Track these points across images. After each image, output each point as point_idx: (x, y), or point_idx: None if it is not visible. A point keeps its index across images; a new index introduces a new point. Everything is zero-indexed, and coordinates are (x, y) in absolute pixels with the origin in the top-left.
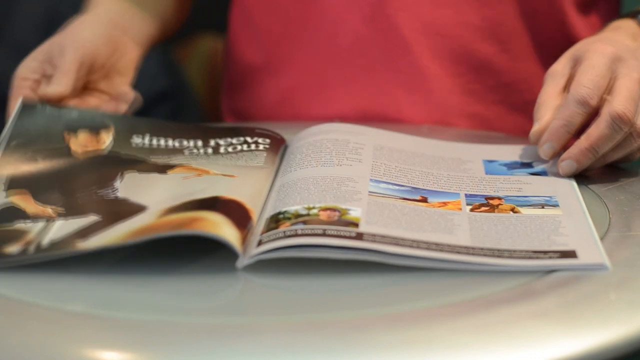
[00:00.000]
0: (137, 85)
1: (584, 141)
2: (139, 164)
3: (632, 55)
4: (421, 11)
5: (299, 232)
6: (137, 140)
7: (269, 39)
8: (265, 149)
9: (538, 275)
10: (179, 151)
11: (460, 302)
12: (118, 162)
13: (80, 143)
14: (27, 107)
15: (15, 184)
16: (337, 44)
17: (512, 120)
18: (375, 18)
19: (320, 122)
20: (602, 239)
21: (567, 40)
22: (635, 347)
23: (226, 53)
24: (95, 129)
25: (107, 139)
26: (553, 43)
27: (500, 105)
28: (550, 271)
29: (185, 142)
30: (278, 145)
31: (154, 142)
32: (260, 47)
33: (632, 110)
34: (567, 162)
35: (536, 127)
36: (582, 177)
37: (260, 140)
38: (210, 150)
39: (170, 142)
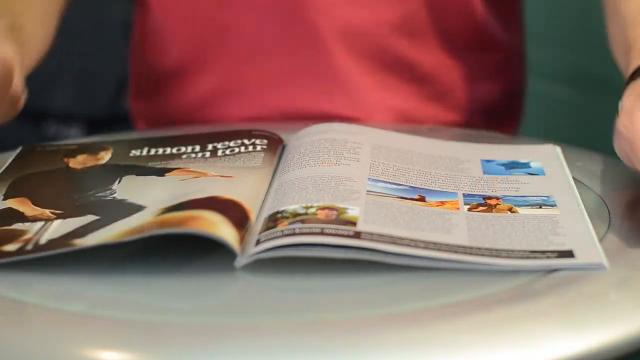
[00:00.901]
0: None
1: None
2: (137, 169)
3: None
4: (338, 12)
5: (297, 231)
6: (135, 152)
7: (185, 45)
8: (263, 150)
9: (538, 276)
10: (176, 156)
11: (460, 302)
12: (116, 169)
13: (79, 162)
14: (26, 149)
15: (13, 192)
16: (256, 48)
17: (429, 110)
18: (294, 21)
19: (239, 125)
20: (602, 239)
21: (475, 31)
22: (635, 347)
23: (133, 60)
24: (94, 151)
25: (106, 157)
26: (462, 35)
27: (416, 97)
28: (550, 271)
29: (183, 148)
30: (276, 146)
31: (152, 151)
32: (174, 53)
33: None
34: None
35: None
36: (582, 177)
37: (257, 141)
38: (207, 154)
39: (168, 150)
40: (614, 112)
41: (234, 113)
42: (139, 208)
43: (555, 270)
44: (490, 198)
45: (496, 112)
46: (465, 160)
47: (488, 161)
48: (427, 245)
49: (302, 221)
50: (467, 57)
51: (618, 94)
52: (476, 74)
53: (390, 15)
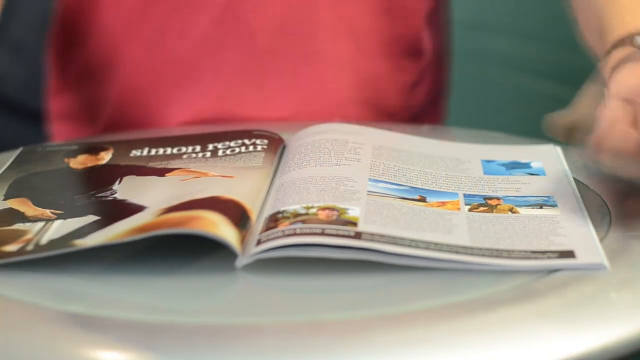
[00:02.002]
0: None
1: None
2: (137, 169)
3: None
4: (274, 12)
5: (298, 231)
6: (136, 152)
7: (108, 41)
8: (264, 150)
9: (538, 276)
10: (177, 156)
11: (460, 302)
12: (117, 169)
13: (79, 162)
14: (26, 151)
15: (13, 193)
16: (184, 45)
17: (361, 114)
18: (226, 20)
19: (165, 125)
20: (602, 239)
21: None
22: (635, 347)
23: (50, 57)
24: (94, 151)
25: (106, 157)
26: (401, 41)
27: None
28: (551, 271)
29: (183, 149)
30: (276, 146)
31: (152, 152)
32: (97, 49)
33: None
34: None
35: None
36: (582, 177)
37: (258, 141)
38: (208, 154)
39: (168, 150)
40: None
41: (160, 113)
42: (139, 208)
43: (556, 270)
44: (491, 198)
45: (421, 115)
46: (465, 161)
47: (489, 161)
48: (427, 245)
49: (303, 221)
50: (401, 64)
51: None
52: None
53: (330, 17)
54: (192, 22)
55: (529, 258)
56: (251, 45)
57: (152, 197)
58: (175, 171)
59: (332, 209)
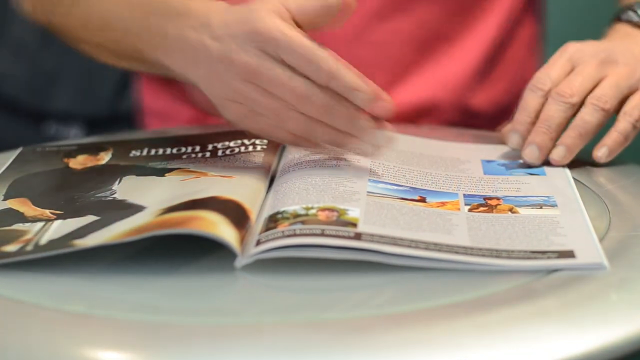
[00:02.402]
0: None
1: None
2: (137, 169)
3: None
4: None
5: (298, 232)
6: (135, 153)
7: None
8: (263, 150)
9: (538, 276)
10: (177, 157)
11: (460, 302)
12: (116, 169)
13: (79, 162)
14: (25, 151)
15: (13, 193)
16: None
17: None
18: None
19: None
20: (602, 239)
21: None
22: (635, 347)
23: None
24: (94, 151)
25: (106, 157)
26: None
27: None
28: (551, 271)
29: (183, 149)
30: (276, 146)
31: (152, 152)
32: None
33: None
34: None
35: None
36: (582, 177)
37: (257, 141)
38: (207, 154)
39: (168, 150)
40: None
41: None
42: (139, 208)
43: (556, 270)
44: (490, 198)
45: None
46: (465, 161)
47: (488, 161)
48: (427, 246)
49: (303, 222)
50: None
51: None
52: None
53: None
54: None
55: (528, 258)
56: None
57: (151, 197)
58: (175, 171)
59: (331, 209)
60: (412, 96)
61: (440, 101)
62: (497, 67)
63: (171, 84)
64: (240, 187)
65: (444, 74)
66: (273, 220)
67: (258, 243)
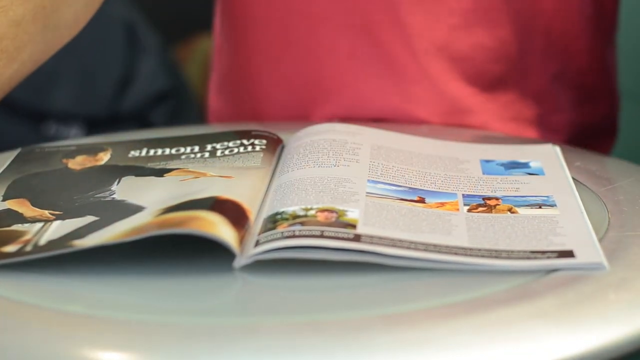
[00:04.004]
0: (136, 85)
1: None
2: (136, 169)
3: None
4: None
5: (297, 233)
6: (134, 153)
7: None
8: (262, 150)
9: (537, 276)
10: (176, 157)
11: (460, 302)
12: (115, 169)
13: (78, 162)
14: (24, 151)
15: (12, 193)
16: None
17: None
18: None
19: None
20: (601, 239)
21: None
22: (635, 347)
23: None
24: (93, 152)
25: (105, 158)
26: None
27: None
28: (550, 271)
29: (182, 149)
30: (275, 146)
31: (151, 152)
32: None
33: None
34: None
35: None
36: (582, 177)
37: (256, 141)
38: (207, 155)
39: (167, 151)
40: None
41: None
42: (138, 208)
43: (555, 270)
44: (489, 198)
45: (591, 133)
46: (464, 161)
47: (487, 161)
48: (427, 247)
49: (302, 223)
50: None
51: None
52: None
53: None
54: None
55: (528, 258)
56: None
57: (150, 198)
58: (174, 171)
59: (331, 210)
60: None
61: None
62: None
63: None
64: (239, 187)
65: None
66: (272, 221)
67: (257, 244)
